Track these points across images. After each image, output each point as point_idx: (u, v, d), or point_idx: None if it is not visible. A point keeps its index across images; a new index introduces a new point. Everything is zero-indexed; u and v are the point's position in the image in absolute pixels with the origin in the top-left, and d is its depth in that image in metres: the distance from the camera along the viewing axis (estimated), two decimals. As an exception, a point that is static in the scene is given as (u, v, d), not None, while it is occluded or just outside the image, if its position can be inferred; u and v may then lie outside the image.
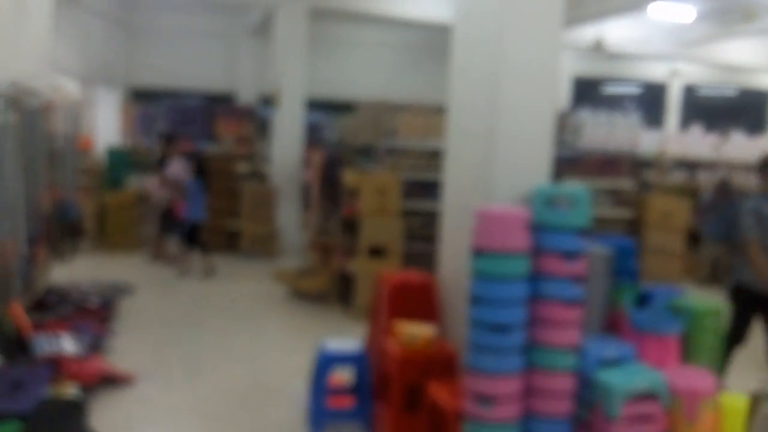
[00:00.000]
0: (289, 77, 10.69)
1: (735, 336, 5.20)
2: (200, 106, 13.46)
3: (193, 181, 8.66)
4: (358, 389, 4.52)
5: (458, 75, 4.44)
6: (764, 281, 5.00)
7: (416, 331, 4.17)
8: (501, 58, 3.91)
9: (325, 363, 4.39)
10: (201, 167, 8.84)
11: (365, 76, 14.56)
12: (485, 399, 3.43)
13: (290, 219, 10.81)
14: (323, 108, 13.48)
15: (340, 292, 7.55)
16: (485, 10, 4.09)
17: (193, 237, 8.83)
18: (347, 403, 4.54)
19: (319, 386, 4.37)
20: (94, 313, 6.32)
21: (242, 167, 10.87)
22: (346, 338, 4.79)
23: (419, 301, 4.48)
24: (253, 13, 13.01)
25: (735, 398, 4.23)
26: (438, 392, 3.89)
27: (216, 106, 13.54)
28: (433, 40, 13.15)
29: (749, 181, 9.95)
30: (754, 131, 15.10)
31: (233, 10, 13.90)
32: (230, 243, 10.48)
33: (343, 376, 4.71)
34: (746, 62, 14.60)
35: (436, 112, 7.46)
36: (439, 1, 10.93)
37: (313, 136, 11.92)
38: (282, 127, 10.79)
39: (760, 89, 16.40)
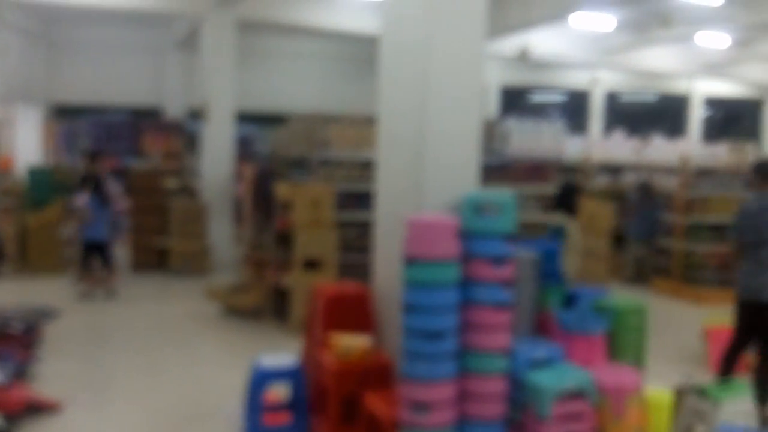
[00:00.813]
0: (218, 90, 10.54)
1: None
2: (125, 121, 13.11)
3: (91, 201, 8.34)
4: (294, 405, 4.47)
5: (386, 85, 4.49)
6: None
7: (352, 342, 4.16)
8: (427, 68, 3.98)
9: (259, 380, 4.33)
10: (98, 186, 8.46)
11: (296, 87, 14.52)
12: (421, 406, 3.45)
13: (222, 234, 10.63)
14: (254, 120, 13.35)
15: (275, 307, 7.46)
16: (411, 21, 4.16)
17: (103, 257, 8.54)
18: (284, 419, 4.48)
19: (255, 404, 4.30)
20: (17, 339, 6.02)
21: (171, 183, 10.63)
22: (282, 353, 4.73)
23: (354, 313, 4.48)
24: (180, 26, 12.79)
25: (660, 393, 4.41)
26: (374, 402, 3.89)
27: (142, 121, 13.22)
28: (363, 51, 13.25)
29: (670, 183, 10.42)
30: (673, 134, 15.84)
31: (159, 23, 13.63)
32: (160, 261, 10.22)
33: (279, 392, 4.65)
34: (664, 68, 15.31)
35: (368, 123, 7.51)
36: (367, 12, 11.03)
37: (245, 150, 11.79)
38: (211, 141, 10.63)
39: (677, 94, 17.22)
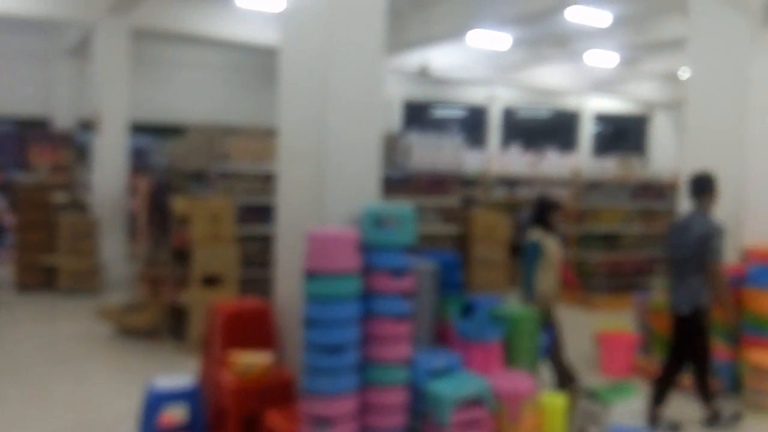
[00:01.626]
0: (111, 100, 10.10)
1: (708, 353, 5.21)
2: (10, 132, 12.31)
3: None
4: (192, 426, 4.30)
5: (287, 97, 4.45)
6: (725, 302, 5.06)
7: (252, 360, 4.07)
8: (327, 81, 3.98)
9: (154, 402, 4.13)
10: None
11: (194, 98, 14.14)
12: (322, 421, 3.41)
13: (114, 251, 10.14)
14: (150, 132, 12.88)
15: (171, 327, 7.18)
16: (311, 33, 4.14)
17: None
18: (181, 441, 4.31)
19: (149, 427, 4.11)
20: None
21: (59, 197, 10.05)
22: (178, 374, 4.55)
23: (255, 329, 4.39)
24: (70, 33, 12.18)
25: (554, 397, 4.57)
26: (275, 420, 3.81)
27: (28, 132, 12.45)
28: (263, 62, 13.09)
29: (563, 195, 10.91)
30: (565, 149, 16.64)
31: (47, 29, 12.92)
32: (47, 280, 9.62)
33: (175, 414, 4.47)
34: (557, 85, 16.07)
35: (269, 135, 7.40)
36: (266, 23, 10.91)
37: (139, 162, 11.33)
38: (103, 153, 10.15)
39: (570, 110, 18.10)
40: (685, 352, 5.24)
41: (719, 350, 5.97)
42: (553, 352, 5.59)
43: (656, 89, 17.47)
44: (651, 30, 11.28)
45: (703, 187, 5.25)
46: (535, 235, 5.63)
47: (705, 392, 5.23)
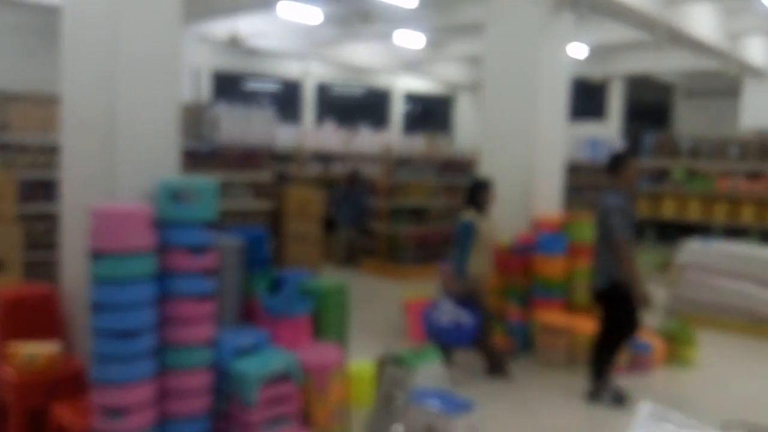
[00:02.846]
0: None
1: (631, 326, 5.12)
2: None
3: None
4: (-36, 429, 3.82)
5: (71, 61, 4.02)
6: (632, 278, 4.93)
7: (35, 350, 3.71)
8: (115, 49, 3.66)
9: None
10: None
11: (-32, 62, 12.43)
12: (115, 411, 3.17)
13: None
14: None
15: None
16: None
17: None
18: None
19: None
20: None
21: None
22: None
23: (39, 317, 3.99)
24: None
25: (362, 365, 4.68)
26: (63, 414, 3.50)
27: None
28: (49, 22, 11.82)
29: (374, 171, 11.19)
30: (377, 126, 17.06)
31: None
32: None
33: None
34: (369, 64, 16.35)
35: (57, 102, 6.68)
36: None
37: None
38: None
39: (381, 88, 18.55)
40: (610, 326, 5.21)
41: (513, 312, 6.50)
42: (482, 336, 5.54)
43: (460, 71, 18.47)
44: (455, 13, 11.83)
45: (615, 163, 5.19)
46: (468, 215, 5.58)
47: (599, 367, 5.22)
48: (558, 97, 7.33)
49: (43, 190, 6.89)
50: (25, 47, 12.93)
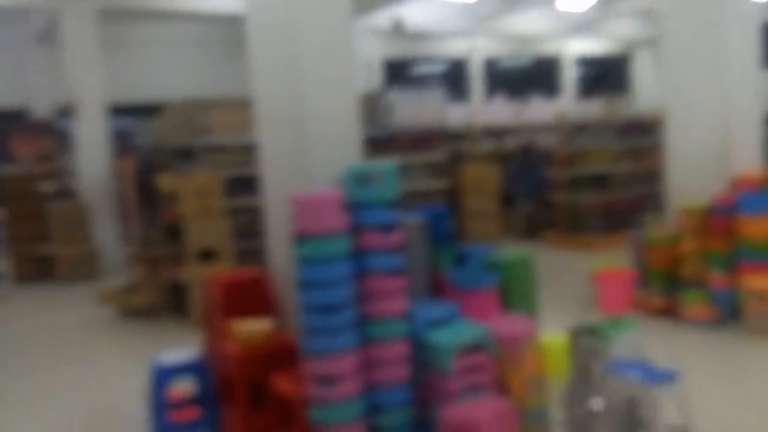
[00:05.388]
0: (85, 84, 9.98)
1: None
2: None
3: None
4: (201, 398, 4.36)
5: (258, 66, 4.39)
6: None
7: (253, 327, 4.11)
8: (296, 46, 3.93)
9: (161, 377, 4.19)
10: None
11: (169, 75, 13.95)
12: (326, 380, 3.46)
13: (108, 235, 10.13)
14: (130, 112, 12.73)
15: (172, 304, 7.23)
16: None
17: None
18: (193, 414, 4.37)
19: (158, 402, 4.16)
20: None
21: (47, 186, 10.01)
22: (182, 349, 4.60)
23: (253, 298, 4.42)
24: (36, 19, 11.94)
25: (555, 337, 4.64)
26: (281, 383, 3.87)
27: (7, 123, 12.30)
28: (234, 32, 12.88)
29: (550, 141, 10.90)
30: (549, 95, 16.56)
31: (14, 18, 12.65)
32: (44, 270, 9.62)
33: (183, 387, 4.52)
34: (535, 32, 15.92)
35: (249, 105, 7.32)
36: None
37: (123, 144, 11.23)
38: (84, 138, 10.07)
39: (550, 55, 17.96)
40: None
41: (716, 278, 6.05)
42: None
43: (635, 27, 17.30)
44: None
45: None
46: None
47: None
48: (749, 44, 6.64)
49: (246, 185, 7.58)
50: (215, 56, 14.24)
